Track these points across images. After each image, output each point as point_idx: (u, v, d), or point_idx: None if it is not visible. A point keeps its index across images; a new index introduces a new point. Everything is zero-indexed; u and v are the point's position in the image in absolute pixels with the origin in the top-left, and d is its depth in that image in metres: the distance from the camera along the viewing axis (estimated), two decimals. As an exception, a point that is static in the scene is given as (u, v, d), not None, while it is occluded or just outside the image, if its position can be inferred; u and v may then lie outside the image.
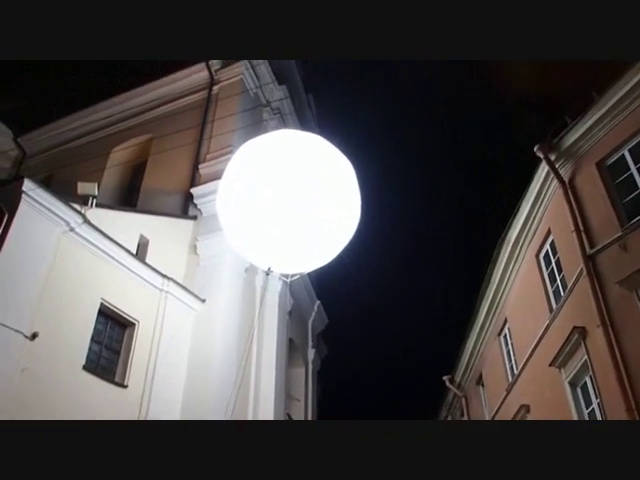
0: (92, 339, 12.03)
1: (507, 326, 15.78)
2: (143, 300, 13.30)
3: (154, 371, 12.76)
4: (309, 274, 19.85)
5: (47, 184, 14.03)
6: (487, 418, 17.35)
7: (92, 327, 12.06)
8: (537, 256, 13.55)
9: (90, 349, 11.91)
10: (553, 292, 12.83)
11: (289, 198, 6.85)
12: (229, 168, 7.57)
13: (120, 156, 20.04)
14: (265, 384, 14.69)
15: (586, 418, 11.16)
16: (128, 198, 19.38)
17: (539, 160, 12.47)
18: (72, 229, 11.85)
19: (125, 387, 12.21)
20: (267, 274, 7.72)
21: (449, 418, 23.21)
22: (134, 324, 13.03)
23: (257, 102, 19.90)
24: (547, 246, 13.14)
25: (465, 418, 20.17)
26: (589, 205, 11.54)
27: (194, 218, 16.22)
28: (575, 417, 11.32)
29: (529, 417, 13.55)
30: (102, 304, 12.36)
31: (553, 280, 12.86)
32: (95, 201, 12.54)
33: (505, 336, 16.14)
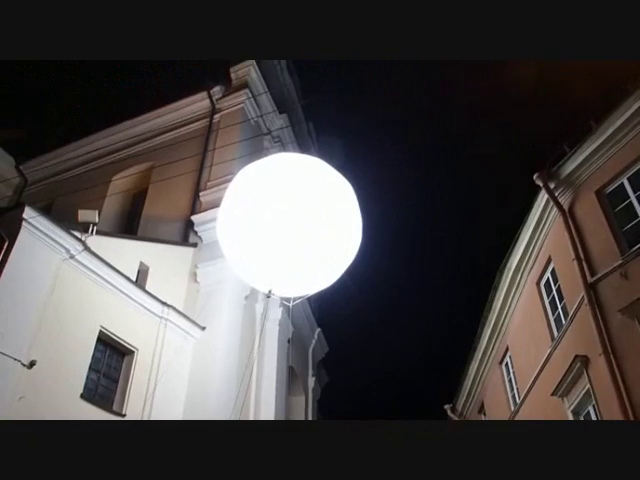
0: (90, 367, 11.92)
1: (509, 354, 15.69)
2: (142, 328, 13.21)
3: (152, 400, 12.61)
4: (309, 301, 19.80)
5: (48, 211, 14.06)
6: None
7: (90, 355, 11.96)
8: (538, 284, 13.53)
9: (88, 377, 11.79)
10: (554, 320, 12.78)
11: (289, 221, 6.86)
12: (230, 191, 7.57)
13: (121, 184, 20.12)
14: (265, 413, 14.53)
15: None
16: (129, 225, 19.42)
17: (539, 188, 12.52)
18: (72, 256, 11.83)
19: (123, 416, 12.07)
20: (268, 297, 7.66)
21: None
22: (133, 352, 12.93)
23: (258, 131, 20.04)
24: (548, 274, 13.12)
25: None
26: (589, 233, 11.55)
27: (194, 245, 16.22)
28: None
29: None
30: (101, 332, 12.28)
31: (554, 308, 12.81)
32: (95, 228, 12.55)
33: (507, 364, 16.03)
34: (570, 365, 11.25)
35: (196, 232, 16.49)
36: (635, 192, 10.96)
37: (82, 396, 11.38)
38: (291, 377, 18.61)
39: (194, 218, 16.69)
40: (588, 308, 10.84)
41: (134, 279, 13.57)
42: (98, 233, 12.75)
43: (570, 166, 12.05)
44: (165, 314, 13.66)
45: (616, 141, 11.36)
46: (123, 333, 12.75)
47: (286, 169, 7.37)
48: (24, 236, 11.02)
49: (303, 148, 23.71)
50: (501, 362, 16.33)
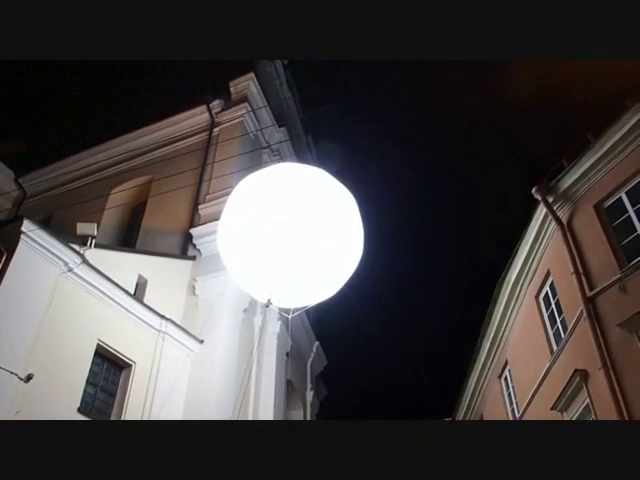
0: (88, 381, 11.86)
1: (508, 367, 15.63)
2: (140, 341, 13.17)
3: (150, 413, 12.53)
4: (308, 314, 19.75)
5: (47, 224, 14.04)
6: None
7: (88, 369, 11.91)
8: (537, 297, 13.50)
9: (85, 391, 11.73)
10: (554, 334, 12.74)
11: (290, 231, 6.83)
12: (231, 200, 7.54)
13: (120, 197, 20.09)
14: (263, 427, 14.44)
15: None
16: (127, 238, 19.40)
17: (537, 202, 12.54)
18: (70, 269, 11.81)
19: (120, 430, 11.98)
20: (267, 306, 7.59)
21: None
22: (131, 365, 12.87)
23: (257, 144, 20.07)
24: (547, 287, 13.11)
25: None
26: (588, 247, 11.56)
27: (193, 258, 16.20)
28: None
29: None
30: (99, 345, 12.23)
31: (553, 322, 12.78)
32: (94, 241, 12.53)
33: (506, 378, 15.96)
34: (569, 379, 11.21)
35: (195, 245, 16.48)
36: (633, 206, 10.98)
37: (79, 410, 11.31)
38: (289, 391, 18.53)
39: (193, 231, 16.68)
40: (587, 322, 10.82)
41: (132, 292, 13.55)
42: (97, 246, 12.74)
43: (568, 180, 12.08)
44: (163, 327, 13.62)
45: (614, 155, 11.39)
46: (121, 346, 12.70)
47: (288, 179, 7.33)
48: (22, 249, 11.02)
49: (302, 161, 23.74)
50: (500, 376, 16.27)
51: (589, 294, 11.08)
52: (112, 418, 12.15)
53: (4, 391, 9.94)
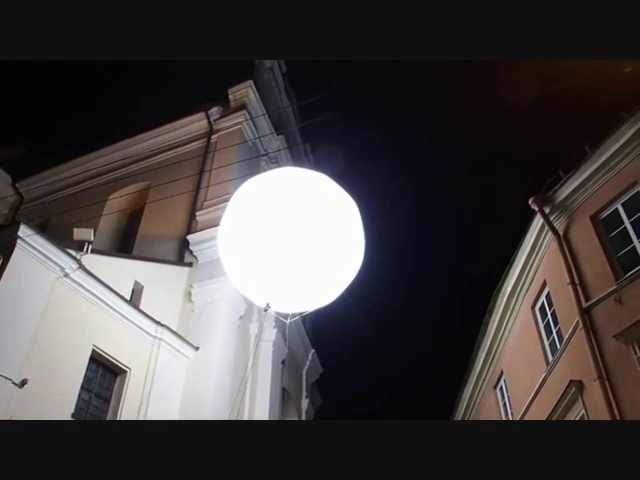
0: (82, 387, 11.80)
1: (503, 378, 15.62)
2: (136, 347, 13.13)
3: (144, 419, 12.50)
4: (304, 322, 19.73)
5: (43, 229, 14.01)
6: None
7: (83, 374, 11.85)
8: (533, 308, 13.52)
9: (80, 397, 11.67)
10: (549, 344, 12.76)
11: (291, 236, 6.81)
12: (232, 203, 7.51)
13: (117, 203, 20.09)
14: (257, 435, 14.38)
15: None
16: (124, 244, 19.36)
17: (534, 212, 12.58)
18: (67, 275, 11.79)
19: (114, 437, 11.92)
20: (265, 310, 7.55)
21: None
22: (126, 372, 12.82)
23: (255, 152, 20.07)
24: (543, 298, 13.13)
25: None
26: (584, 258, 11.59)
27: (190, 265, 16.17)
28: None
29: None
30: (94, 351, 12.18)
31: (549, 332, 12.80)
32: (91, 247, 12.51)
33: (501, 388, 15.95)
34: (565, 390, 11.21)
35: (191, 252, 16.45)
36: (630, 218, 11.03)
37: (73, 416, 11.25)
38: (285, 399, 18.48)
39: (190, 238, 16.67)
40: (583, 333, 10.84)
41: (128, 298, 13.51)
42: (93, 252, 12.70)
43: (565, 191, 12.13)
44: (159, 334, 13.58)
45: (611, 167, 11.45)
46: (116, 352, 12.65)
47: (290, 183, 7.32)
48: (19, 254, 10.99)
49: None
50: (495, 386, 16.25)
51: (585, 305, 11.10)
52: (106, 424, 12.10)
53: (-2, 396, 9.90)
